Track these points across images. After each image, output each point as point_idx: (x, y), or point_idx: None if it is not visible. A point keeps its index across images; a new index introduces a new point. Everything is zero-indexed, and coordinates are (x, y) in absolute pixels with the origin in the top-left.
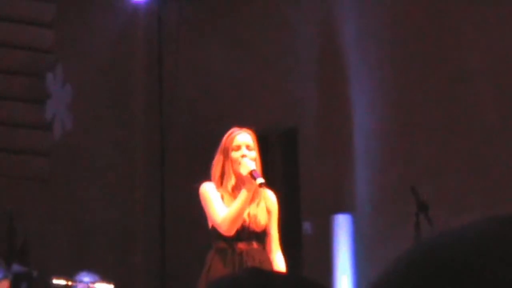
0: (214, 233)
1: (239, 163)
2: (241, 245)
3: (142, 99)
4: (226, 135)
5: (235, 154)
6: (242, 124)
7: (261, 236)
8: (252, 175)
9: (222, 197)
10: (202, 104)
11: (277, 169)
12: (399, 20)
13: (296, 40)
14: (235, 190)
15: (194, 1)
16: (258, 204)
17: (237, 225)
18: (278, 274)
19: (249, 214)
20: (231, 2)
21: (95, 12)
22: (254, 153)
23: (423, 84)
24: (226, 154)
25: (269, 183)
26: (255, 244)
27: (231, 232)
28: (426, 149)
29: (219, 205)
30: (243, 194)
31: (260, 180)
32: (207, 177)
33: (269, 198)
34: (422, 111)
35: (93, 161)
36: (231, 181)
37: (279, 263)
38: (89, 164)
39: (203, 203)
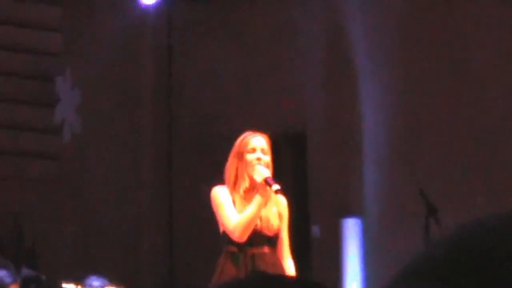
0: (226, 237)
1: (253, 166)
2: (253, 250)
3: (150, 101)
4: (240, 139)
5: (249, 157)
6: (250, 125)
7: (273, 240)
8: (267, 182)
9: (234, 201)
10: (210, 105)
11: (286, 173)
12: (406, 19)
13: (303, 40)
14: (248, 193)
15: (203, 3)
16: (270, 208)
17: (250, 231)
18: (283, 277)
19: (261, 218)
20: (240, 3)
21: (104, 15)
22: (268, 158)
23: (431, 84)
24: (240, 156)
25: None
26: (266, 249)
27: (243, 239)
28: (434, 150)
29: (231, 211)
30: (257, 201)
31: (276, 186)
32: (215, 177)
33: (281, 202)
34: (430, 111)
35: (102, 163)
36: (245, 184)
37: (289, 269)
38: (97, 166)
39: (214, 208)
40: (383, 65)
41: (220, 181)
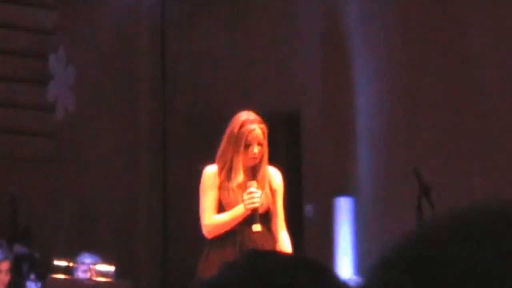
0: None
1: (245, 202)
2: (243, 228)
3: (145, 81)
4: (237, 124)
5: (248, 153)
6: (245, 105)
7: (264, 218)
8: (252, 216)
9: (228, 193)
10: (206, 85)
11: (280, 152)
12: (403, 2)
13: (299, 22)
14: (240, 188)
15: None
16: (263, 187)
17: (218, 233)
18: (274, 253)
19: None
20: None
21: None
22: (261, 148)
23: (426, 66)
24: (237, 147)
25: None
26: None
27: (209, 236)
28: (428, 131)
29: (209, 207)
30: (237, 212)
31: (257, 227)
32: (210, 159)
33: (275, 177)
34: (425, 93)
35: (96, 143)
36: (238, 178)
37: (284, 242)
38: (92, 146)
39: (200, 191)
40: (379, 47)
41: (214, 161)
